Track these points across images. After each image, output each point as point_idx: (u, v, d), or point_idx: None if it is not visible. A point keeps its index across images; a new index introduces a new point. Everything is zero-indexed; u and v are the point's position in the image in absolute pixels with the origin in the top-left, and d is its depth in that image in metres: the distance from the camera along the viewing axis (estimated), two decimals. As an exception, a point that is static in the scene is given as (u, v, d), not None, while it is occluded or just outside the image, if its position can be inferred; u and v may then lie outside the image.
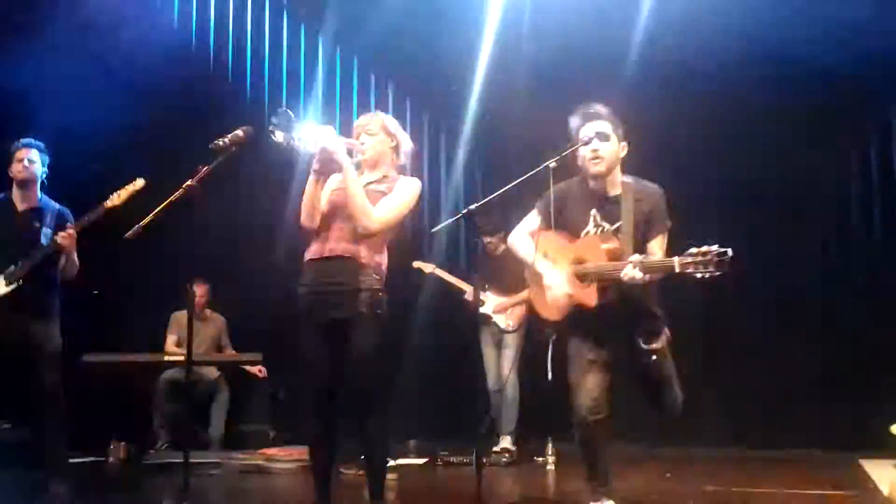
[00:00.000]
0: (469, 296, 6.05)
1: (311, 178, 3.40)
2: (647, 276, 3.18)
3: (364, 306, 3.33)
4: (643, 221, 3.40)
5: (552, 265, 3.48)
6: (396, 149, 3.59)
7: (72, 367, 5.79)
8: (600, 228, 3.44)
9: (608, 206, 3.45)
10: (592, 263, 3.35)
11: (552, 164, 3.35)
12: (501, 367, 6.01)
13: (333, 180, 3.50)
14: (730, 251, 3.02)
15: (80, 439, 5.96)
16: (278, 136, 3.25)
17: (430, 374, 6.94)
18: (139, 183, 4.44)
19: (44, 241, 4.54)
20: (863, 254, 6.19)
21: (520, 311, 5.91)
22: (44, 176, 4.73)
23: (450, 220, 3.25)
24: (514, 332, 5.97)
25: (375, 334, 3.35)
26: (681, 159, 6.08)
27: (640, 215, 3.41)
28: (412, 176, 3.61)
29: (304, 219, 3.45)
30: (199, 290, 6.65)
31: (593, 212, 3.46)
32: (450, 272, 6.34)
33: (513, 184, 3.41)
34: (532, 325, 5.83)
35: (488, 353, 6.04)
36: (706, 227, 5.13)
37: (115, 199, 4.44)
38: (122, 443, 6.00)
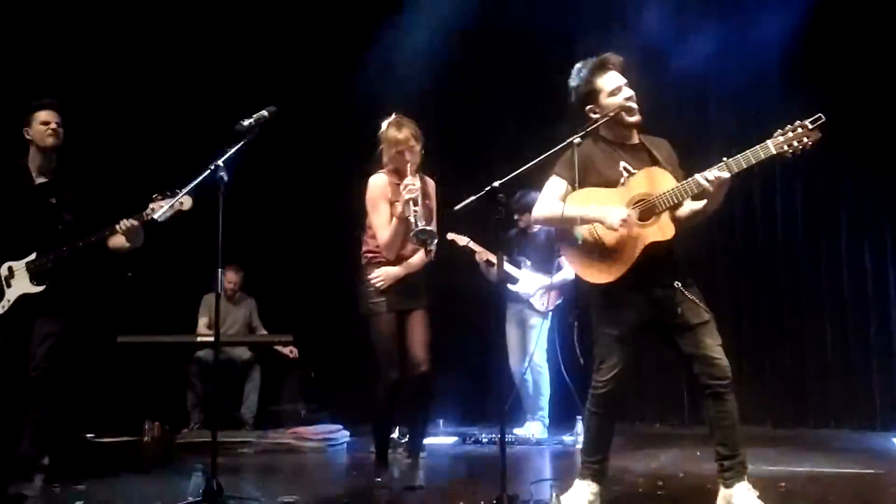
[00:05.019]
0: (480, 256, 5.82)
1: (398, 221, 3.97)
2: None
3: (425, 299, 4.10)
4: (669, 164, 3.26)
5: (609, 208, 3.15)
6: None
7: (107, 347, 5.93)
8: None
9: (635, 154, 3.28)
10: (657, 195, 3.11)
11: (577, 139, 3.19)
12: (527, 348, 5.80)
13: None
14: (822, 115, 2.93)
15: (116, 419, 6.10)
16: (431, 244, 3.98)
17: (456, 355, 6.92)
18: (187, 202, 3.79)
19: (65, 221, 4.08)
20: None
21: (556, 293, 5.77)
22: None
23: (473, 197, 3.17)
24: (545, 313, 5.75)
25: (429, 322, 4.09)
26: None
27: (665, 157, 3.27)
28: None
29: (387, 253, 4.02)
30: (233, 277, 6.68)
31: (622, 164, 3.24)
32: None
33: (538, 159, 3.28)
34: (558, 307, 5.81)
35: (512, 333, 5.86)
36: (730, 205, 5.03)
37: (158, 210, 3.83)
38: (157, 422, 6.08)
